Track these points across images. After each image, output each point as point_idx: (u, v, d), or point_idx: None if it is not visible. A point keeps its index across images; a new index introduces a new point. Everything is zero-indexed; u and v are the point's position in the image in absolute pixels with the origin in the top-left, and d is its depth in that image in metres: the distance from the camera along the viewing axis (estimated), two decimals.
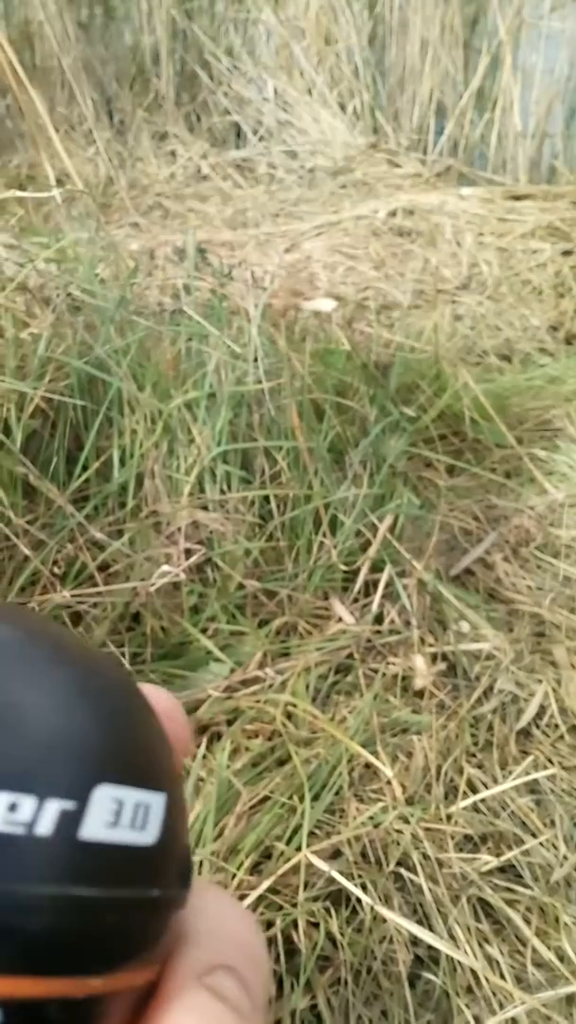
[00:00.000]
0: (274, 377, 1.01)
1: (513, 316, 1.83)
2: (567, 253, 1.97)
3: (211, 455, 0.94)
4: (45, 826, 0.12)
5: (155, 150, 2.92)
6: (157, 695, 0.16)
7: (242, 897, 0.60)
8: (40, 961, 0.12)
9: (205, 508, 0.95)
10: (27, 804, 0.12)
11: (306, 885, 0.63)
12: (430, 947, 0.62)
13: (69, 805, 0.12)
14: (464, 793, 0.73)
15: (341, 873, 0.64)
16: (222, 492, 0.96)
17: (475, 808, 0.73)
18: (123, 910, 0.13)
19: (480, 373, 1.49)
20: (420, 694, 0.89)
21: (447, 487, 1.23)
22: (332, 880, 0.64)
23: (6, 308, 0.82)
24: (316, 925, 0.62)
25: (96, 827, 0.12)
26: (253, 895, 0.61)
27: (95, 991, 0.12)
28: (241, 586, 0.93)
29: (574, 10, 2.30)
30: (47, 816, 0.12)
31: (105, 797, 0.13)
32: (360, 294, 1.83)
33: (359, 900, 0.64)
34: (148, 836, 0.13)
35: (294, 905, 0.62)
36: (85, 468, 0.90)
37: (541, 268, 1.97)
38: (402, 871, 0.66)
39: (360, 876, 0.65)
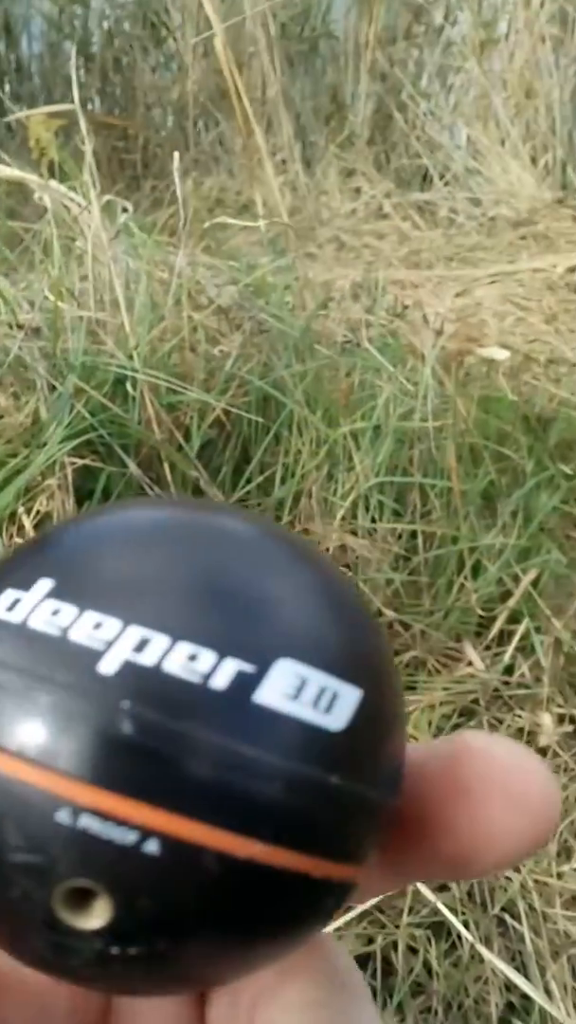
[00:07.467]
0: (438, 418, 1.04)
1: None
2: None
3: (368, 484, 0.98)
4: (221, 681, 0.12)
5: (341, 185, 3.00)
6: (508, 746, 0.15)
7: (347, 909, 0.63)
8: (202, 806, 0.12)
9: (355, 534, 0.99)
10: (207, 657, 0.13)
11: (410, 910, 0.65)
12: (523, 996, 0.62)
13: (248, 668, 0.13)
14: None
15: (446, 906, 0.65)
16: (373, 521, 1.00)
17: None
18: (296, 784, 0.13)
19: None
20: (543, 752, 0.89)
21: None
22: (436, 911, 0.65)
23: (202, 326, 0.89)
24: (415, 951, 0.64)
25: (273, 695, 0.13)
26: (358, 909, 0.63)
27: (256, 856, 0.12)
28: (379, 613, 0.96)
29: None
30: (224, 672, 0.13)
31: (287, 671, 0.13)
32: (528, 346, 1.83)
33: (459, 936, 0.65)
34: (334, 722, 0.13)
35: (397, 927, 0.64)
36: (249, 480, 0.96)
37: None
38: (506, 917, 0.67)
39: (464, 913, 0.66)
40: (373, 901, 0.64)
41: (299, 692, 0.13)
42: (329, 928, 0.64)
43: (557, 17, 2.55)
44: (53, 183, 1.04)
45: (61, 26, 2.59)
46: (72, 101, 1.02)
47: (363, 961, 0.63)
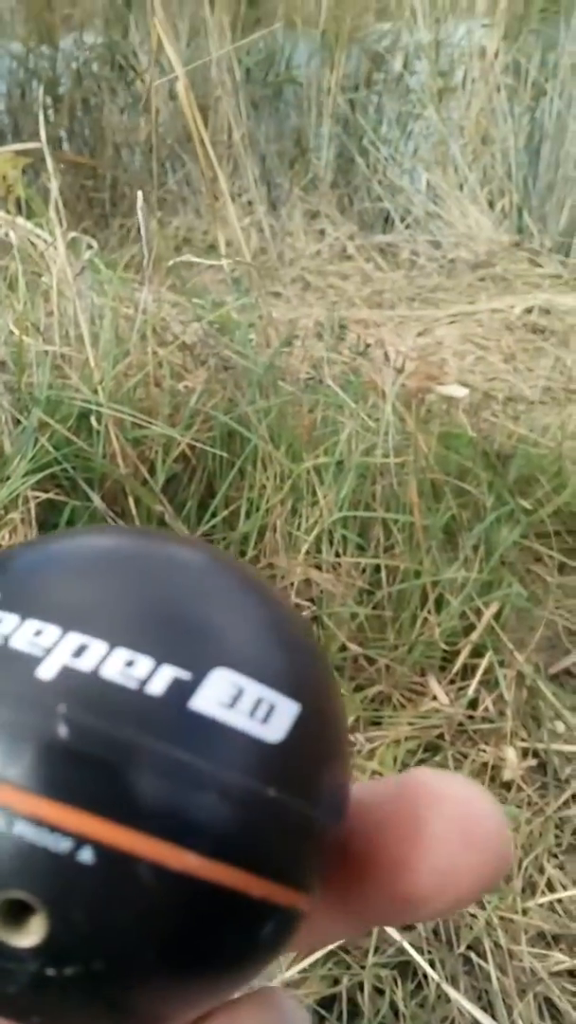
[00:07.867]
0: (400, 453, 1.05)
1: None
2: None
3: (332, 519, 0.98)
4: (157, 687, 0.12)
5: (305, 227, 3.05)
6: (464, 789, 0.15)
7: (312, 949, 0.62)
8: (136, 813, 0.12)
9: (319, 568, 0.99)
10: (144, 663, 0.13)
11: (376, 950, 0.64)
12: None
13: (184, 675, 0.13)
14: (543, 891, 0.73)
15: (412, 945, 0.64)
16: (337, 555, 1.00)
17: (551, 907, 0.72)
18: (232, 794, 0.12)
19: None
20: (507, 786, 0.89)
21: (556, 584, 1.23)
22: (402, 951, 0.65)
23: (167, 361, 0.90)
24: (381, 992, 0.63)
25: (209, 703, 0.13)
26: (324, 949, 0.62)
27: (192, 869, 0.12)
28: (344, 648, 0.96)
29: None
30: (160, 678, 0.13)
31: (224, 679, 0.13)
32: (487, 384, 1.86)
33: (425, 976, 0.64)
34: (271, 733, 0.13)
35: (362, 967, 0.63)
36: (214, 515, 0.96)
37: None
38: (472, 955, 0.66)
39: (430, 952, 0.65)
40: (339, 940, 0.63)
41: (235, 701, 0.13)
42: (288, 973, 0.63)
43: (511, 67, 2.65)
44: (19, 220, 1.04)
45: (29, 66, 2.62)
46: (40, 140, 1.02)
47: (329, 1003, 0.62)
